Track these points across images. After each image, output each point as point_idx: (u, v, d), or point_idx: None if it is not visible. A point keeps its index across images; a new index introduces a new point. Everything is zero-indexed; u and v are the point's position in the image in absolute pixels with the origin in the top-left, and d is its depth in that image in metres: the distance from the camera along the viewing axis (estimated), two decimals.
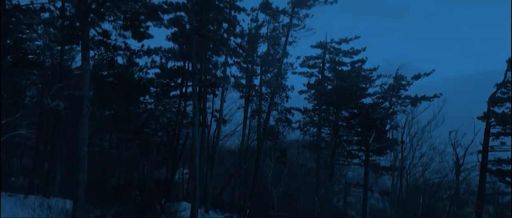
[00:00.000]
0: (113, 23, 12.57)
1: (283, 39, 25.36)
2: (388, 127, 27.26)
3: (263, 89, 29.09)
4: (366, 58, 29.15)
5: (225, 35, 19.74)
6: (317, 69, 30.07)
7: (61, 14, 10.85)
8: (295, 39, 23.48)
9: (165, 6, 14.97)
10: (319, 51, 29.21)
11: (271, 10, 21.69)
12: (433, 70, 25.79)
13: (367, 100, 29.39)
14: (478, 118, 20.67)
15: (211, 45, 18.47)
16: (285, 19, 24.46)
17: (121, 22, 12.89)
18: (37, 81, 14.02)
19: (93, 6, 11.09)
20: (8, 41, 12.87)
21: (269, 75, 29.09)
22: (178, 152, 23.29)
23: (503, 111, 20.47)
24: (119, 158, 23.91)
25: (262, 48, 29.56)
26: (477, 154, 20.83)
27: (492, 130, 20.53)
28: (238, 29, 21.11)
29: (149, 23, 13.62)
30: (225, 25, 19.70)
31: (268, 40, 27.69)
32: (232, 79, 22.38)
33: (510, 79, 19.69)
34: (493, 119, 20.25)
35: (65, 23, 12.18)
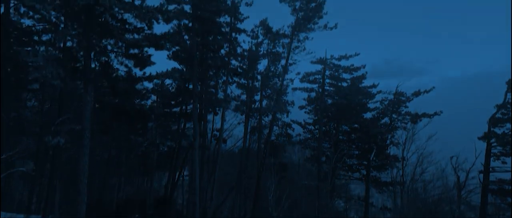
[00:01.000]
0: (115, 53, 12.62)
1: (283, 60, 25.60)
2: (388, 142, 27.28)
3: (263, 103, 29.12)
4: (366, 73, 29.24)
5: (226, 59, 19.80)
6: (317, 85, 30.13)
7: (63, 48, 10.86)
8: (295, 61, 23.54)
9: (169, 33, 14.95)
10: (319, 67, 29.31)
11: (271, 34, 21.80)
12: (433, 87, 25.95)
13: (368, 115, 29.43)
14: (479, 138, 20.72)
15: (212, 70, 18.51)
16: (285, 40, 24.72)
17: (123, 51, 12.95)
18: (36, 116, 13.89)
19: (97, 41, 11.13)
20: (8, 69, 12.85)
21: (269, 91, 29.14)
22: (177, 169, 23.19)
23: (503, 132, 20.51)
24: (119, 169, 23.59)
25: (263, 62, 29.71)
26: (478, 174, 20.83)
27: (493, 150, 20.56)
28: (238, 50, 21.19)
29: (151, 50, 13.70)
30: (226, 46, 19.79)
31: (268, 56, 27.78)
32: (233, 102, 22.37)
33: (510, 100, 19.76)
34: (494, 139, 20.28)
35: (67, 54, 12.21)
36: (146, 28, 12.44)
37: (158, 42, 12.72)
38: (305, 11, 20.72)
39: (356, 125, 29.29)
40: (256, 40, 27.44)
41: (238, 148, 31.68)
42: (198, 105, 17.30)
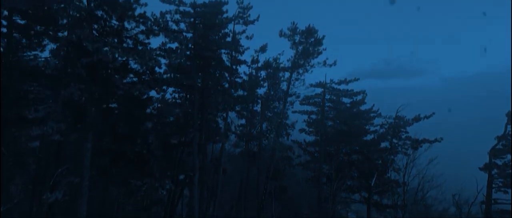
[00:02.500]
0: (115, 98, 12.67)
1: (283, 82, 25.74)
2: (389, 168, 27.16)
3: (263, 125, 29.14)
4: (366, 94, 29.33)
5: (227, 88, 19.87)
6: (317, 108, 30.18)
7: (65, 101, 10.89)
8: (295, 93, 23.63)
9: (170, 77, 15.09)
10: (318, 90, 29.41)
11: (271, 68, 21.97)
12: (433, 113, 25.93)
13: (369, 136, 29.41)
14: (480, 169, 20.66)
15: (213, 103, 18.57)
16: (286, 61, 24.86)
17: (123, 94, 12.98)
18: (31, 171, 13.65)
19: (99, 93, 11.19)
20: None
21: (269, 114, 29.19)
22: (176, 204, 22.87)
23: (504, 162, 20.48)
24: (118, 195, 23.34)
25: (263, 81, 29.79)
26: (480, 205, 20.70)
27: (494, 180, 20.50)
28: (239, 78, 21.32)
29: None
30: (227, 76, 19.89)
31: (268, 80, 27.91)
32: (233, 137, 22.40)
33: (510, 132, 19.78)
34: (495, 170, 20.24)
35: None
36: (148, 72, 12.53)
37: (160, 86, 12.80)
38: (305, 44, 20.92)
39: (356, 147, 29.27)
40: (256, 65, 27.75)
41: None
42: (198, 136, 17.30)
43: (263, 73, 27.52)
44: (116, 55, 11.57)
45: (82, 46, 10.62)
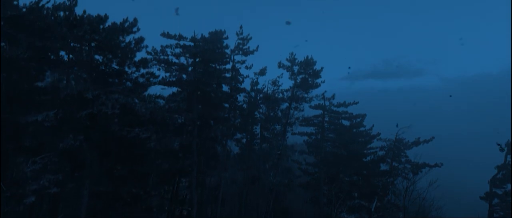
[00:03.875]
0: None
1: (283, 103, 25.74)
2: (389, 194, 27.05)
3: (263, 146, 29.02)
4: (365, 115, 29.34)
5: (227, 115, 19.84)
6: (316, 128, 30.15)
7: (63, 152, 10.80)
8: (294, 121, 23.62)
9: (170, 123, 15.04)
10: (318, 111, 29.41)
11: (270, 101, 22.02)
12: (433, 137, 25.95)
13: (368, 157, 29.33)
14: (481, 198, 20.57)
15: (212, 135, 18.52)
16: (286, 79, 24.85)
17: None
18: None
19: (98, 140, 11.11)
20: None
21: (268, 135, 29.11)
22: None
23: (504, 191, 20.42)
24: None
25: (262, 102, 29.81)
26: None
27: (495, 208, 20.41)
28: (238, 107, 21.31)
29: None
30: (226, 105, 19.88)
31: (267, 102, 27.91)
32: (231, 169, 22.29)
33: (510, 162, 19.76)
34: (496, 200, 20.16)
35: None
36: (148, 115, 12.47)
37: (158, 128, 12.75)
38: (303, 74, 21.01)
39: (356, 170, 29.17)
40: (256, 86, 27.79)
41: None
42: (196, 169, 17.16)
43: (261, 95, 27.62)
44: (116, 96, 11.55)
45: (82, 97, 10.60)
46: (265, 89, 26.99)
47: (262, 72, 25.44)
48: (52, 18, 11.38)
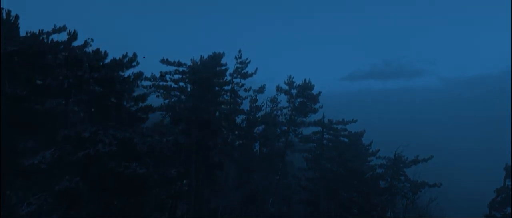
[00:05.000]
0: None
1: (282, 122, 25.76)
2: (388, 209, 26.92)
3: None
4: (364, 131, 29.31)
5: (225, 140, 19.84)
6: (315, 144, 30.09)
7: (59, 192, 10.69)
8: (293, 144, 23.62)
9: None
10: (317, 128, 29.40)
11: (269, 125, 22.03)
12: (432, 156, 25.92)
13: (368, 174, 29.23)
14: None
15: (212, 158, 18.47)
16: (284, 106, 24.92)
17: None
18: None
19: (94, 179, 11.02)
20: None
21: (266, 150, 29.03)
22: None
23: (504, 214, 20.33)
24: None
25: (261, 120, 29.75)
26: None
27: None
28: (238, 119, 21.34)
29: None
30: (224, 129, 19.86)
31: (265, 119, 27.90)
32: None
33: (509, 185, 19.73)
34: None
35: None
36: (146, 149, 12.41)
37: (156, 162, 12.68)
38: (301, 98, 21.07)
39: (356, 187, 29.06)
40: (255, 104, 27.79)
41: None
42: (194, 201, 17.09)
43: (260, 113, 27.64)
44: (113, 132, 11.50)
45: (79, 138, 10.55)
46: (264, 107, 27.08)
47: (261, 90, 25.49)
48: (50, 56, 11.37)
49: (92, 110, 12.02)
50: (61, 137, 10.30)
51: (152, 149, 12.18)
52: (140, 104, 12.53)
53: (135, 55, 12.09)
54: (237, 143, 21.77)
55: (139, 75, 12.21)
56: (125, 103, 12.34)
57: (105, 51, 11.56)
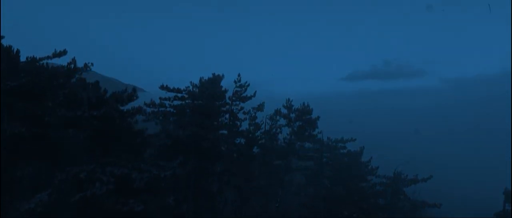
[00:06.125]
0: None
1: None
2: None
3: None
4: (364, 148, 29.31)
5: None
6: (313, 161, 30.02)
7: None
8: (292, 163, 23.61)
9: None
10: (316, 146, 29.35)
11: (266, 149, 22.04)
12: (431, 176, 25.94)
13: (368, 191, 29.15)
14: None
15: (210, 186, 18.43)
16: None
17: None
18: None
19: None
20: None
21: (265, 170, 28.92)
22: None
23: None
24: None
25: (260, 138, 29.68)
26: None
27: None
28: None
29: None
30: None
31: (265, 135, 27.83)
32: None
33: (509, 210, 19.70)
34: None
35: None
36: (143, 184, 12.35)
37: (154, 198, 12.63)
38: (300, 122, 21.11)
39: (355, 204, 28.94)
40: (254, 122, 27.77)
41: None
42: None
43: (258, 132, 27.65)
44: (111, 169, 11.47)
45: (77, 178, 10.52)
46: (263, 125, 27.06)
47: (260, 108, 25.50)
48: (49, 93, 11.38)
49: (91, 144, 11.98)
50: (58, 180, 10.25)
51: (149, 185, 12.13)
52: (139, 138, 12.52)
53: (134, 90, 12.11)
54: (236, 165, 21.74)
55: (139, 110, 12.22)
56: (124, 138, 12.31)
57: (105, 89, 11.56)
